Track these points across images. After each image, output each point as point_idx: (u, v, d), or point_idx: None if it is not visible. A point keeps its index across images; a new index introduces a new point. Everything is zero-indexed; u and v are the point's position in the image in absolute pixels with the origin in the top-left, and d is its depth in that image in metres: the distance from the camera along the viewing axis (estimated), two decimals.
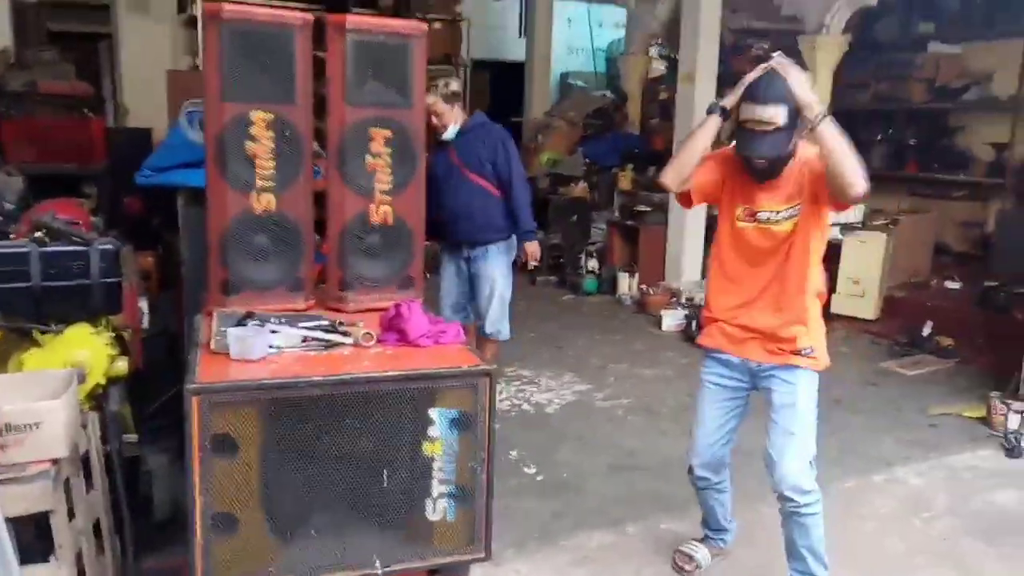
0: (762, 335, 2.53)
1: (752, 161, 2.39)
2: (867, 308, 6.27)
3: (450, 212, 4.24)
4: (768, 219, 2.47)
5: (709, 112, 2.46)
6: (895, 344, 5.91)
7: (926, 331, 5.79)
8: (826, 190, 2.34)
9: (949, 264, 7.01)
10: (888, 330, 6.13)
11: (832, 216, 5.43)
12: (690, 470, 2.79)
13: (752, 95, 2.32)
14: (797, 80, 2.29)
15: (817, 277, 2.52)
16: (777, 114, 2.28)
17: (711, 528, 2.95)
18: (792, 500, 2.50)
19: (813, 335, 2.52)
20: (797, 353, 2.50)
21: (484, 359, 3.68)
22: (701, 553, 2.94)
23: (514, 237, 4.37)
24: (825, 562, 2.60)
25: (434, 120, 4.09)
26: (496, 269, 4.32)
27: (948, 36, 7.43)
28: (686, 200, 2.64)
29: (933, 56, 7.46)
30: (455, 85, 4.20)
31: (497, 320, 4.36)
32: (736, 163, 2.48)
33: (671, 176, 2.53)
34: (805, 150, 2.42)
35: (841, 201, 2.34)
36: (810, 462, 2.52)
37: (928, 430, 4.38)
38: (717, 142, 2.54)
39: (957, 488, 3.67)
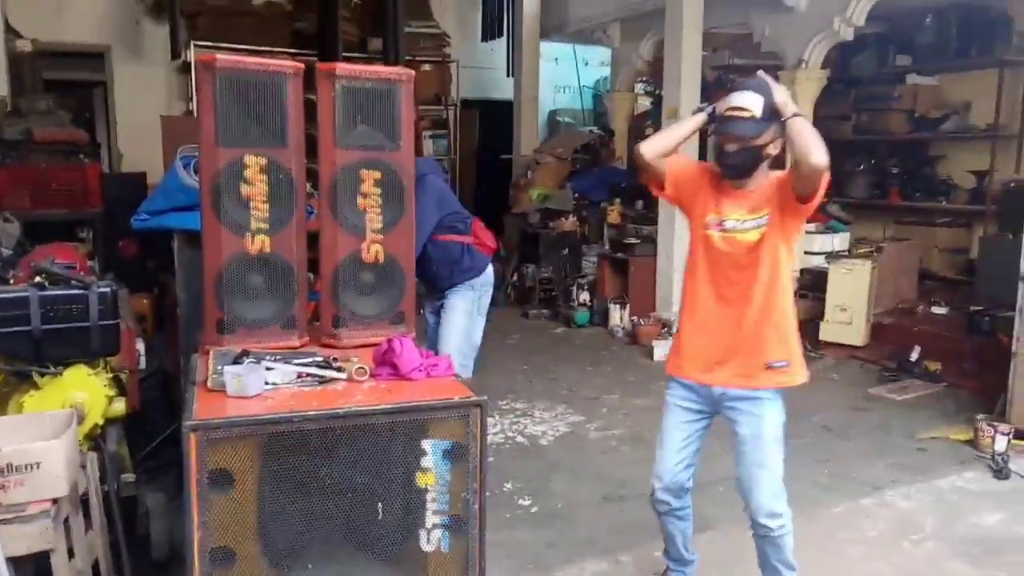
0: (731, 356, 2.55)
1: (724, 148, 2.49)
2: (855, 335, 6.35)
3: (427, 261, 4.04)
4: (734, 228, 2.52)
5: (695, 112, 2.60)
6: (883, 370, 5.97)
7: (914, 356, 5.87)
8: (791, 190, 2.41)
9: (935, 290, 7.11)
10: (876, 356, 6.20)
11: (819, 245, 5.54)
12: (652, 493, 2.76)
13: (734, 89, 2.52)
14: (775, 86, 2.48)
15: (787, 292, 2.56)
16: (754, 103, 2.42)
17: (671, 558, 2.91)
18: (767, 527, 2.56)
19: (786, 347, 2.54)
20: (768, 368, 2.52)
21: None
22: None
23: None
24: (794, 566, 2.66)
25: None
26: (453, 313, 4.07)
27: (925, 68, 7.61)
28: (658, 182, 2.66)
29: (911, 88, 7.63)
30: None
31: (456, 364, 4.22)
32: (713, 175, 2.59)
33: (648, 147, 2.58)
34: (773, 172, 2.55)
35: (805, 180, 2.36)
36: (780, 486, 2.58)
37: (916, 454, 4.43)
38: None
39: (945, 511, 3.71)
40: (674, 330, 6.30)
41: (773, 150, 2.50)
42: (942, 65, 7.47)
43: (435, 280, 4.03)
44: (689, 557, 2.89)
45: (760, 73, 2.54)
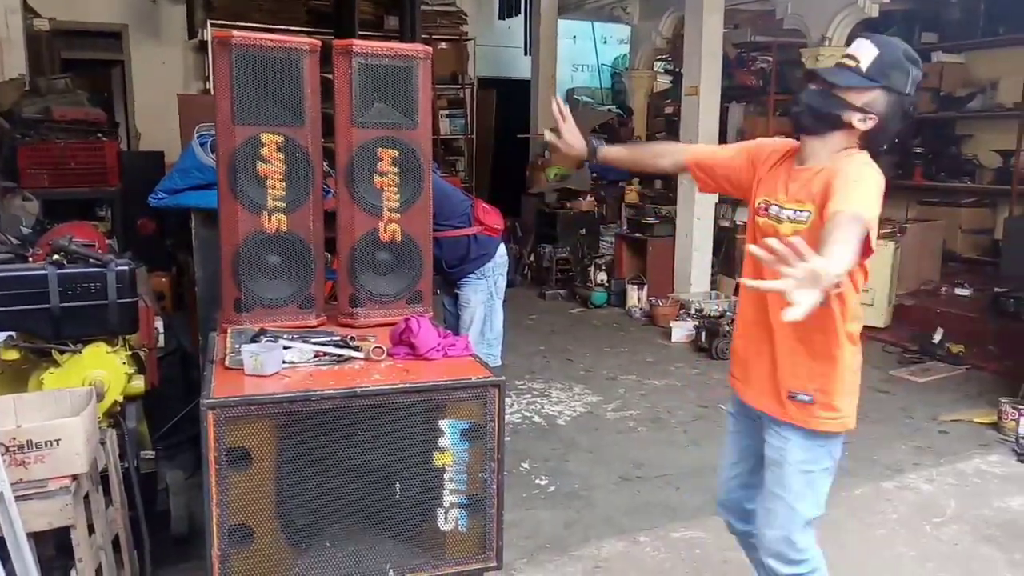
0: (760, 374, 2.12)
1: (804, 87, 2.03)
2: (877, 316, 6.27)
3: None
4: (776, 215, 2.04)
5: None
6: (906, 352, 5.91)
7: (936, 338, 5.79)
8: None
9: (958, 271, 7.01)
10: (898, 338, 6.13)
11: None
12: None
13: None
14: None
15: (840, 310, 1.99)
16: (866, 54, 1.93)
17: None
18: (772, 569, 2.10)
19: (820, 381, 2.01)
20: (791, 398, 2.03)
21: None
22: None
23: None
24: None
25: None
26: (470, 301, 4.02)
27: (951, 45, 7.46)
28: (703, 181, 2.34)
29: (937, 65, 7.48)
30: None
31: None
32: (777, 155, 2.14)
33: None
34: (849, 157, 1.96)
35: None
36: (804, 526, 2.08)
37: (939, 436, 4.38)
38: None
39: (968, 494, 3.67)
40: (700, 312, 6.27)
41: (860, 122, 1.94)
42: (969, 43, 7.33)
43: (447, 275, 3.95)
44: None
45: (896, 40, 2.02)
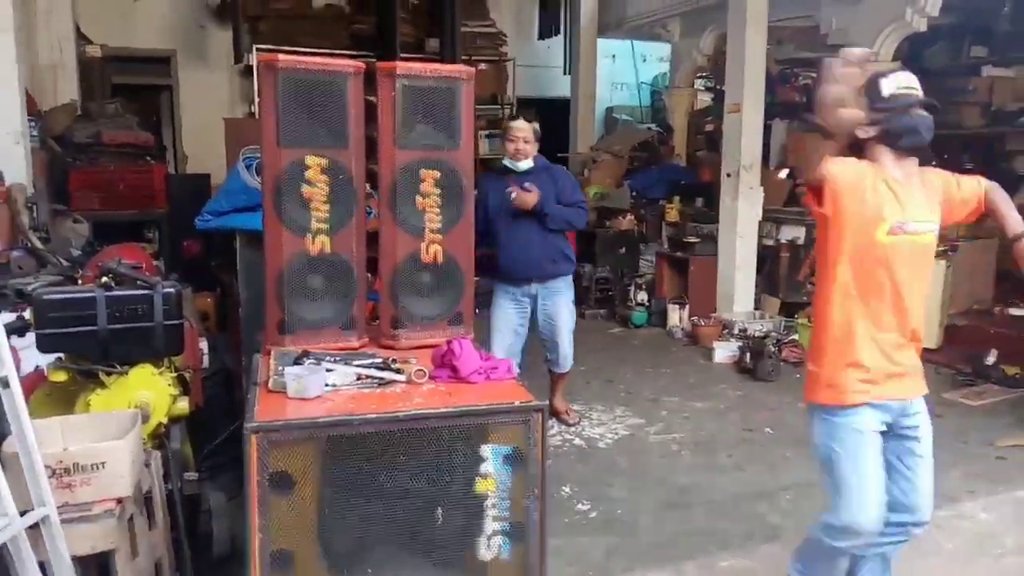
0: (909, 364, 2.37)
1: (916, 113, 2.27)
2: (928, 338, 6.03)
3: (517, 247, 4.16)
4: (914, 230, 2.29)
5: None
6: (958, 374, 5.72)
7: (990, 359, 5.60)
8: (958, 206, 2.44)
9: (1013, 290, 6.78)
10: (950, 359, 5.94)
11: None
12: (857, 533, 2.32)
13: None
14: None
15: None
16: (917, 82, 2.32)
17: None
18: (925, 524, 2.42)
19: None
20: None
21: (560, 398, 3.69)
22: None
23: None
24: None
25: (521, 146, 4.17)
26: (564, 307, 4.39)
27: (1002, 59, 7.28)
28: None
29: (987, 80, 7.31)
30: (538, 127, 4.32)
31: (570, 355, 4.50)
32: (869, 174, 2.27)
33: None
34: (920, 168, 2.37)
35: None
36: None
37: (996, 462, 4.21)
38: None
39: None
40: (744, 332, 6.15)
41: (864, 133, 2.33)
42: (1020, 56, 7.13)
43: (535, 268, 4.19)
44: None
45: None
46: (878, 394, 2.31)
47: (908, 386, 2.36)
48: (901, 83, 2.28)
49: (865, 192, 2.24)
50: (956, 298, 6.25)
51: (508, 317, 4.31)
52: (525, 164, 4.21)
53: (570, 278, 4.41)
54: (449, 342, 2.39)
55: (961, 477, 4.02)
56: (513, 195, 4.10)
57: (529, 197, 4.09)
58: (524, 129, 4.20)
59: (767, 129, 7.35)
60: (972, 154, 7.61)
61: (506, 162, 4.26)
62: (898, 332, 2.33)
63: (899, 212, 2.25)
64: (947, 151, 7.80)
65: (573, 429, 4.65)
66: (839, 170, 2.24)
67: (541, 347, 4.55)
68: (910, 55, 7.37)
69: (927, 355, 5.95)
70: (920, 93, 2.29)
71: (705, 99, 9.82)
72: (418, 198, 2.57)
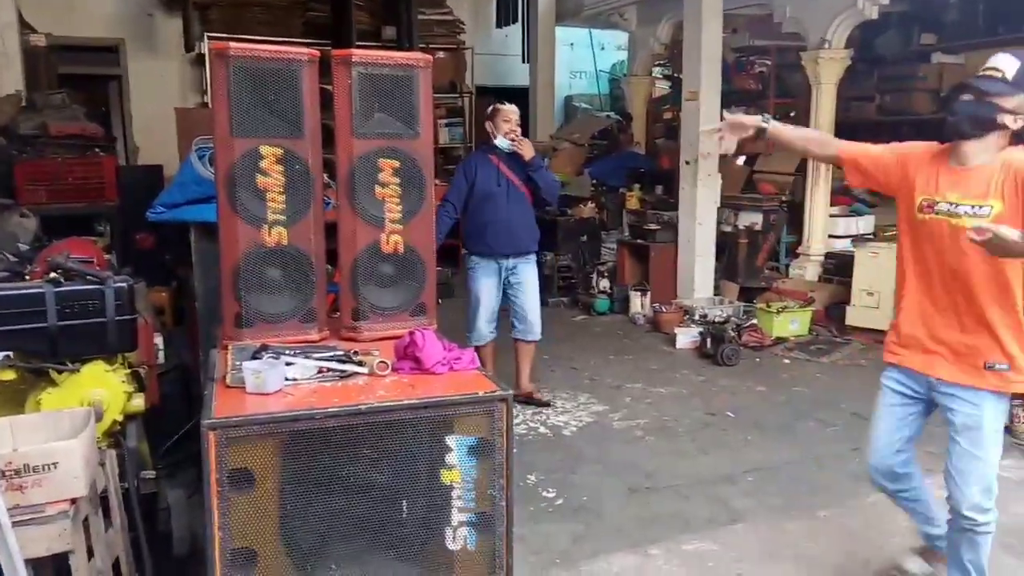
0: (948, 349, 2.42)
1: (958, 97, 2.33)
2: (883, 319, 6.21)
3: (502, 223, 4.52)
4: (948, 211, 2.34)
5: None
6: None
7: None
8: None
9: None
10: None
11: (844, 228, 5.28)
12: (871, 469, 2.71)
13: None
14: None
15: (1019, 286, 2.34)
16: (1008, 65, 2.29)
17: (923, 536, 2.82)
18: (971, 519, 2.42)
19: (1009, 350, 2.35)
20: (988, 369, 2.36)
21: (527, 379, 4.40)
22: (915, 565, 2.87)
23: None
24: (985, 570, 2.52)
25: (515, 127, 4.53)
26: (534, 276, 4.73)
27: (951, 46, 7.43)
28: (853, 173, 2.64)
29: (937, 67, 7.46)
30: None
31: (538, 323, 4.75)
32: (935, 154, 2.44)
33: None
34: (1012, 155, 2.30)
35: None
36: (993, 482, 2.44)
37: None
38: None
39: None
40: (705, 318, 6.22)
41: (1013, 123, 2.28)
42: (968, 43, 7.28)
43: (518, 242, 4.56)
44: (935, 531, 2.73)
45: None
46: (905, 360, 2.54)
47: (938, 366, 2.46)
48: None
49: (907, 168, 2.46)
50: None
51: (489, 289, 4.62)
52: (507, 145, 4.55)
53: (533, 257, 4.76)
54: (412, 333, 2.36)
55: (920, 455, 4.09)
56: (516, 143, 4.50)
57: (527, 148, 4.51)
58: (516, 112, 4.60)
59: (724, 117, 7.40)
60: (923, 138, 7.73)
61: (499, 143, 4.53)
62: (954, 316, 2.40)
63: (932, 192, 2.38)
64: (898, 136, 7.95)
65: (539, 417, 4.65)
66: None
67: (512, 317, 4.75)
68: (862, 43, 7.49)
69: (880, 336, 6.10)
70: (975, 79, 2.33)
71: (663, 87, 9.89)
72: (377, 188, 2.53)
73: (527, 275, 4.67)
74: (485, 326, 4.64)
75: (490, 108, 4.65)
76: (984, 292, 2.34)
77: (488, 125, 4.57)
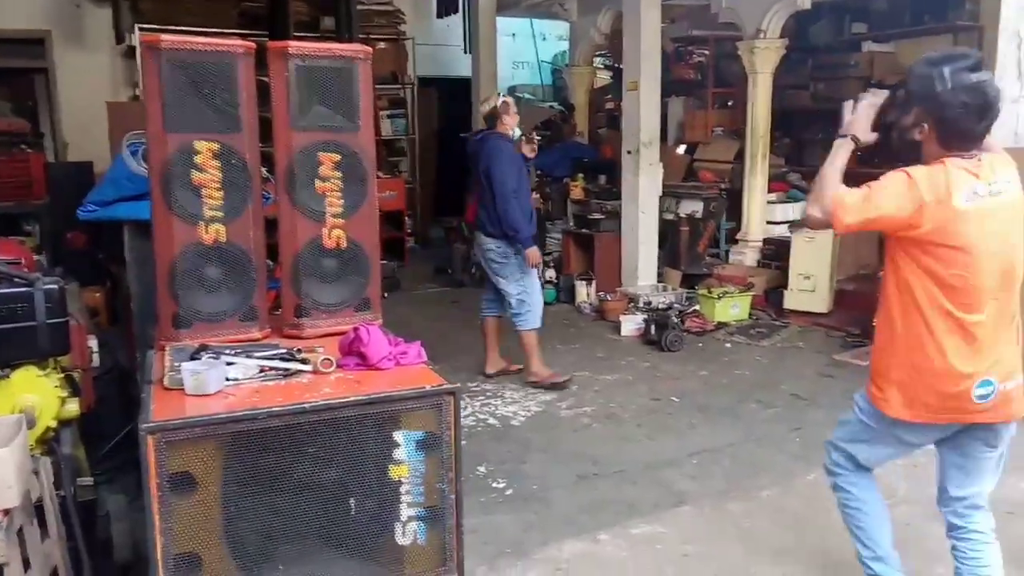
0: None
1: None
2: (819, 302, 6.40)
3: (529, 210, 4.92)
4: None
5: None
6: (848, 336, 6.03)
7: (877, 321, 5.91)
8: None
9: None
10: (840, 322, 6.25)
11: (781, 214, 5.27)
12: None
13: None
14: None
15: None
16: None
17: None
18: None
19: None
20: None
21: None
22: None
23: None
24: None
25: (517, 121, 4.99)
26: None
27: (881, 35, 7.64)
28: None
29: (868, 55, 7.65)
30: None
31: None
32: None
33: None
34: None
35: None
36: None
37: None
38: None
39: (918, 475, 3.74)
40: (649, 305, 6.31)
41: (920, 134, 2.29)
42: (897, 32, 7.50)
43: (523, 231, 4.79)
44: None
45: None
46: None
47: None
48: None
49: None
50: (843, 264, 6.57)
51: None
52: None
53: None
54: (356, 329, 2.34)
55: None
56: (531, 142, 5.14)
57: (534, 145, 5.10)
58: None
59: (665, 106, 7.49)
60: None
61: (517, 132, 4.96)
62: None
63: None
64: (833, 124, 8.16)
65: (487, 408, 4.66)
66: None
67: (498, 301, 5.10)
68: (796, 32, 7.65)
69: (817, 319, 6.29)
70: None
71: (604, 77, 9.95)
72: (318, 182, 2.50)
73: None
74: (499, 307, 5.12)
75: (499, 102, 4.95)
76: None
77: (501, 118, 4.87)
